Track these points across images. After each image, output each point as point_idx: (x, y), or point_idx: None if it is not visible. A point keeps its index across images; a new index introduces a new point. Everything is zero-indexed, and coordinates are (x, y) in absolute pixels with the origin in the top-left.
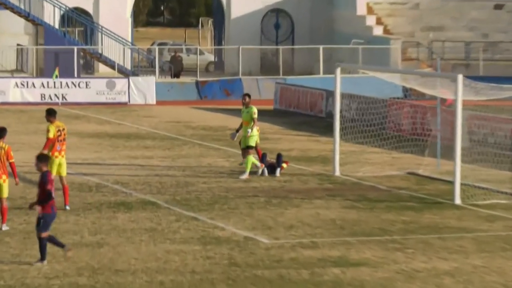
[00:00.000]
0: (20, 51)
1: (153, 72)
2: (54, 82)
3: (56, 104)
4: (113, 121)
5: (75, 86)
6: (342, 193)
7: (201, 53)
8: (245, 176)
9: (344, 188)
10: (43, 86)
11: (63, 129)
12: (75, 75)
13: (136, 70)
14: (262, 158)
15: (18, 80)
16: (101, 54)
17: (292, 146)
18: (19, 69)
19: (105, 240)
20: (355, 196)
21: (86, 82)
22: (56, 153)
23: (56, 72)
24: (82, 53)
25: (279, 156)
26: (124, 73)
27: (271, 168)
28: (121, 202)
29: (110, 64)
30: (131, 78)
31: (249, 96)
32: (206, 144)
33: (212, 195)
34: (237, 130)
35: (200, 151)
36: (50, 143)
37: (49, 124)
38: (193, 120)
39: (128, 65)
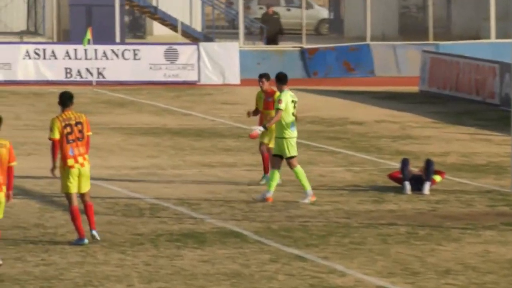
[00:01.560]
0: (33, 4)
1: (236, 36)
2: (85, 51)
3: (89, 83)
4: (176, 110)
5: (117, 56)
6: None
7: (309, 6)
8: (309, 197)
9: None
10: (68, 57)
11: (78, 123)
12: (117, 39)
13: (210, 33)
14: (402, 167)
15: (31, 48)
16: (156, 8)
17: (449, 148)
18: (32, 31)
19: None
20: None
21: (134, 51)
22: (70, 161)
23: (88, 35)
24: (128, 6)
25: (428, 164)
26: (191, 36)
27: (417, 182)
28: (188, 232)
29: (171, 23)
30: (202, 45)
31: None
32: (317, 146)
33: (326, 222)
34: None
35: (308, 156)
36: (58, 148)
37: (53, 118)
38: (297, 108)
39: (197, 25)
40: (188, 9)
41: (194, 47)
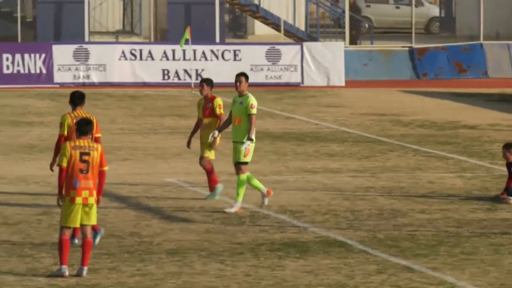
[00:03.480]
0: (130, 2)
1: (342, 35)
2: (184, 51)
3: (187, 85)
4: (278, 114)
5: (216, 57)
6: None
7: (419, 3)
8: (236, 208)
9: None
10: (166, 58)
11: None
12: (217, 39)
13: (315, 32)
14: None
15: (127, 48)
16: (258, 6)
17: None
18: (128, 30)
19: None
20: None
21: (235, 51)
22: None
23: (187, 35)
24: (228, 5)
25: None
26: (295, 36)
27: None
28: (291, 241)
29: (273, 22)
30: (306, 45)
31: (246, 77)
32: (426, 151)
33: (435, 231)
34: (220, 130)
35: (417, 162)
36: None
37: (63, 115)
38: (406, 111)
39: (301, 24)
40: (291, 8)
41: (297, 47)
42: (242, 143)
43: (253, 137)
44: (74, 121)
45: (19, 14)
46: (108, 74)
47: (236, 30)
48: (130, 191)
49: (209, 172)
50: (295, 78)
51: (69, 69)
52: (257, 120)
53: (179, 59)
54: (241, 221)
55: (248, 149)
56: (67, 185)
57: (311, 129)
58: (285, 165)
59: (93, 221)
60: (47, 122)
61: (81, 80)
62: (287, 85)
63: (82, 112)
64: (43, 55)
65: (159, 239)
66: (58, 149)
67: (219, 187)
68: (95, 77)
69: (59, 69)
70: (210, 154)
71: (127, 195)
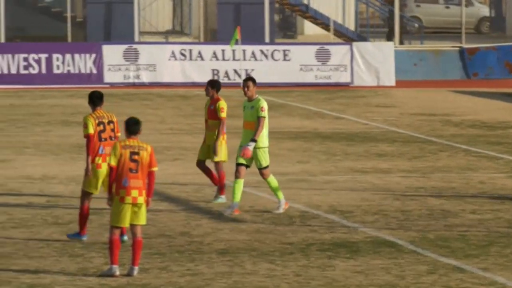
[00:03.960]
0: (179, 2)
1: (391, 35)
2: (234, 51)
3: (237, 85)
4: (328, 114)
5: (266, 57)
6: None
7: (469, 3)
8: (282, 206)
9: None
10: (216, 58)
11: (110, 122)
12: (267, 39)
13: (364, 32)
14: None
15: (176, 48)
16: (307, 6)
17: None
18: (178, 30)
19: None
20: None
21: (284, 51)
22: (98, 159)
23: (237, 35)
24: (278, 4)
25: None
26: (345, 36)
27: None
28: (341, 242)
29: (323, 22)
30: (356, 45)
31: (253, 81)
32: (477, 151)
33: (486, 232)
34: (254, 140)
35: (467, 162)
36: (93, 145)
37: (86, 116)
38: (456, 111)
39: (351, 24)
40: (341, 7)
41: (347, 47)
42: (257, 148)
43: (263, 135)
44: (96, 121)
45: (69, 14)
46: (158, 74)
47: (286, 30)
48: (180, 191)
49: (215, 176)
50: (344, 78)
51: (119, 69)
52: (307, 120)
53: (228, 59)
54: (291, 221)
55: (248, 149)
56: (116, 184)
57: (361, 129)
58: (335, 165)
59: (143, 221)
60: None
61: (131, 80)
62: (336, 85)
63: (102, 112)
64: (93, 55)
65: (209, 239)
66: (90, 151)
67: (223, 198)
68: (145, 77)
69: (109, 69)
70: (219, 157)
71: (177, 195)
